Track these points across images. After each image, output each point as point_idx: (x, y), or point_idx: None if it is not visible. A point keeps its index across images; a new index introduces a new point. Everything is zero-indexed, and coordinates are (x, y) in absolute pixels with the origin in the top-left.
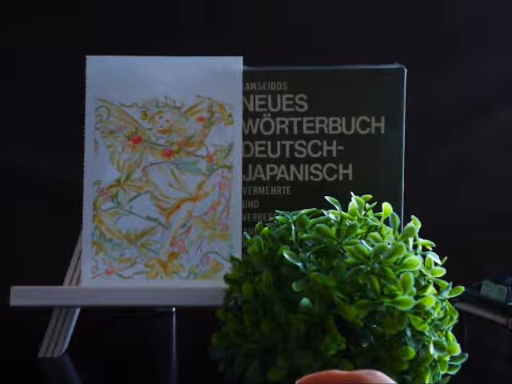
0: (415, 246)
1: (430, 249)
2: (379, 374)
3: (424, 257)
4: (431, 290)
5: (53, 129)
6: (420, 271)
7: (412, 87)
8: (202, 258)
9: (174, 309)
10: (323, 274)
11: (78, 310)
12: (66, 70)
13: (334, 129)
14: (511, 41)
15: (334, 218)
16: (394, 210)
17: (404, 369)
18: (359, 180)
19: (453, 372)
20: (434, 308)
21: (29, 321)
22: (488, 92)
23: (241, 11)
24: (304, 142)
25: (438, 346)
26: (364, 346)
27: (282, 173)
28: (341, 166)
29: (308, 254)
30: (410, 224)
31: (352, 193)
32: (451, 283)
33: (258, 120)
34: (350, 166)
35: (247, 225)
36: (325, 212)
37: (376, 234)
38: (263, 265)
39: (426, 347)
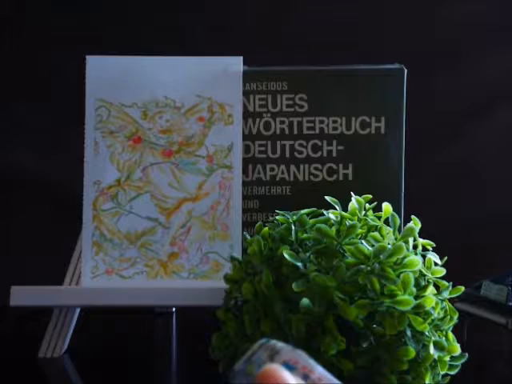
0: (415, 246)
1: (430, 249)
2: None
3: (424, 257)
4: (431, 289)
5: (53, 129)
6: (420, 271)
7: (412, 87)
8: (202, 257)
9: (174, 309)
10: (323, 273)
11: (77, 310)
12: (66, 70)
13: (334, 129)
14: (511, 41)
15: (334, 218)
16: (393, 210)
17: (404, 369)
18: (359, 180)
19: (453, 372)
20: (434, 308)
21: (29, 321)
22: (488, 92)
23: (241, 11)
24: (304, 142)
25: (438, 346)
26: (364, 345)
27: (282, 173)
28: (341, 166)
29: (308, 254)
30: (410, 224)
31: (352, 193)
32: (451, 283)
33: (257, 120)
34: (350, 165)
35: (247, 225)
36: (325, 212)
37: (376, 234)
38: (263, 265)
39: (426, 347)
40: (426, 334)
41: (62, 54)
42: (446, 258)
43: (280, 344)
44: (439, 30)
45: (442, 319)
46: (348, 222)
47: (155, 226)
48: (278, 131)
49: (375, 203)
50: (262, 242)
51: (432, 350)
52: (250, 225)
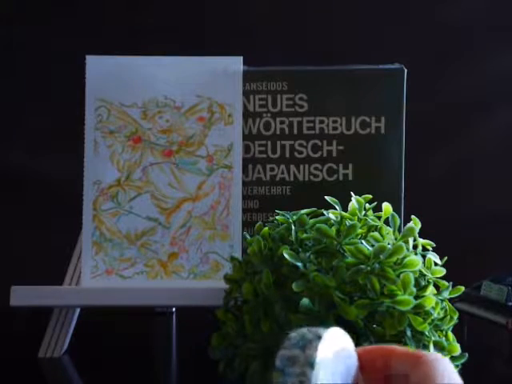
0: (415, 246)
1: (430, 249)
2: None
3: (424, 257)
4: (431, 290)
5: (53, 129)
6: (420, 271)
7: (412, 87)
8: (202, 257)
9: (174, 309)
10: (323, 274)
11: (77, 310)
12: (66, 70)
13: (334, 129)
14: (511, 41)
15: (334, 218)
16: (393, 210)
17: None
18: (359, 180)
19: None
20: (434, 308)
21: (29, 321)
22: (488, 92)
23: (241, 11)
24: (304, 142)
25: (438, 346)
26: (364, 345)
27: (282, 173)
28: (341, 166)
29: (308, 254)
30: (410, 224)
31: (352, 193)
32: (451, 283)
33: (258, 120)
34: (350, 165)
35: (247, 225)
36: (325, 212)
37: (376, 234)
38: (263, 265)
39: (426, 347)
40: (426, 333)
41: (62, 54)
42: (445, 257)
43: None
44: (439, 30)
45: (441, 319)
46: (348, 222)
47: (155, 226)
48: (278, 131)
49: (375, 203)
50: (262, 241)
51: (432, 350)
52: (249, 225)
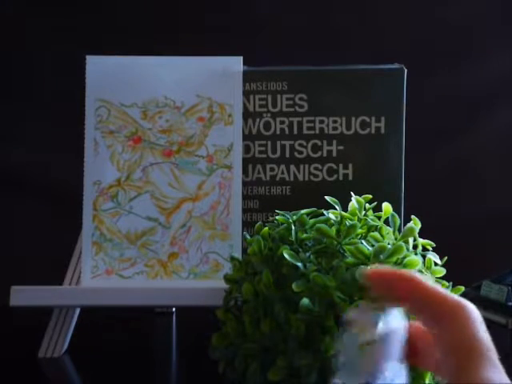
0: (415, 246)
1: (430, 249)
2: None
3: (424, 257)
4: None
5: (53, 129)
6: (420, 271)
7: (412, 87)
8: (202, 257)
9: (173, 309)
10: (323, 274)
11: (77, 310)
12: (66, 70)
13: (334, 129)
14: (511, 41)
15: (334, 218)
16: (394, 210)
17: None
18: (359, 180)
19: None
20: None
21: (29, 321)
22: (488, 92)
23: (241, 11)
24: (304, 142)
25: None
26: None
27: (282, 173)
28: (341, 166)
29: (308, 254)
30: (410, 224)
31: (352, 193)
32: (451, 283)
33: (257, 120)
34: (350, 166)
35: (247, 225)
36: (325, 212)
37: (376, 234)
38: (263, 265)
39: None
40: None
41: (62, 54)
42: (445, 257)
43: None
44: (439, 30)
45: None
46: (348, 222)
47: (155, 226)
48: (278, 131)
49: (375, 203)
50: (262, 241)
51: None
52: (250, 225)
